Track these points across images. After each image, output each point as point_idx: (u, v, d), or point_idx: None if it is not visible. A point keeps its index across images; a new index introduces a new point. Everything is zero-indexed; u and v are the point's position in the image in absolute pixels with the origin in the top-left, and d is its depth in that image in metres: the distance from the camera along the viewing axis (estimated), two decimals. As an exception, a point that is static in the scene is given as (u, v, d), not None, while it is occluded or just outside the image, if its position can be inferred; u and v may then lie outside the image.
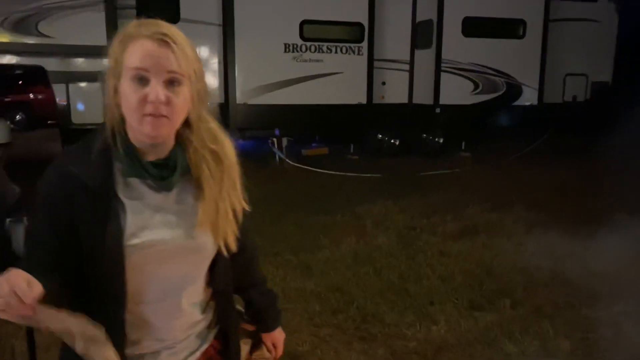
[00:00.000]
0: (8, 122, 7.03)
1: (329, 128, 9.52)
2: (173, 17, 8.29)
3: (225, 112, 8.75)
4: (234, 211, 1.16)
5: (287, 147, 9.16)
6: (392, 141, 10.29)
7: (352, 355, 3.00)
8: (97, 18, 7.45)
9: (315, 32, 9.08)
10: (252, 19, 8.53)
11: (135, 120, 1.03)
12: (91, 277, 1.06)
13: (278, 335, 1.44)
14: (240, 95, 8.82)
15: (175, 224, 1.10)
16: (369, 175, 7.98)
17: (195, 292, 1.19)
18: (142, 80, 1.01)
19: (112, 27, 7.58)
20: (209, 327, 1.25)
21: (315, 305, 3.58)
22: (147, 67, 1.01)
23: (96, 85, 7.93)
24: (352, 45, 9.36)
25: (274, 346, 1.44)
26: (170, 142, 1.10)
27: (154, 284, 1.10)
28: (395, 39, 9.81)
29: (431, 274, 4.14)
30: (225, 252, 1.15)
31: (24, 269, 0.93)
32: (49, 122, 10.06)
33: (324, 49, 9.17)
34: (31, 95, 8.04)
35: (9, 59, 7.61)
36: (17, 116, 13.51)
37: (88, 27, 7.46)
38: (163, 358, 1.16)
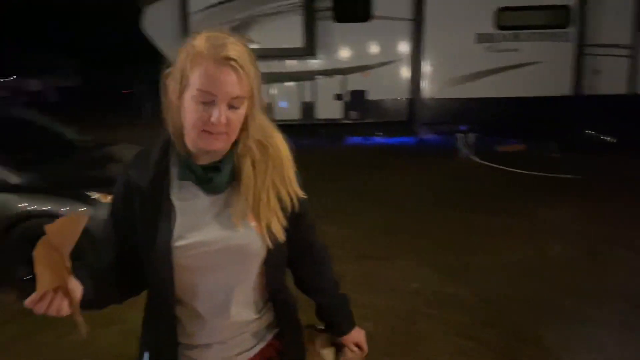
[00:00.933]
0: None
1: (526, 123, 8.75)
2: (365, 16, 8.56)
3: (413, 107, 8.72)
4: (281, 200, 1.18)
5: (475, 143, 8.72)
6: (603, 137, 9.02)
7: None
8: (295, 22, 8.10)
9: (513, 20, 8.42)
10: (444, 12, 8.32)
11: (193, 133, 1.09)
12: (147, 273, 1.18)
13: (357, 335, 1.42)
14: (428, 90, 8.69)
15: (222, 226, 1.14)
16: (567, 176, 7.15)
17: (246, 291, 1.21)
18: (205, 103, 1.07)
19: (308, 29, 8.17)
20: (267, 327, 1.28)
21: (464, 315, 3.40)
22: (212, 92, 1.06)
23: (292, 84, 8.65)
24: (554, 31, 8.44)
25: (358, 346, 1.42)
26: (226, 148, 1.15)
27: (203, 282, 1.16)
28: (612, 20, 8.52)
29: (618, 296, 3.57)
30: (269, 243, 1.15)
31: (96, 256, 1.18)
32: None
33: (521, 37, 8.45)
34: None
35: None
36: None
37: (289, 32, 8.17)
38: (214, 352, 1.22)
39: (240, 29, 8.24)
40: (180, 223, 1.13)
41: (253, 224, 1.15)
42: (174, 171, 1.16)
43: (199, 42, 1.08)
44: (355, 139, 10.35)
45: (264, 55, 8.41)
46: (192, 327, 1.21)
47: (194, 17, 8.13)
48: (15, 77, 26.69)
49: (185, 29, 8.15)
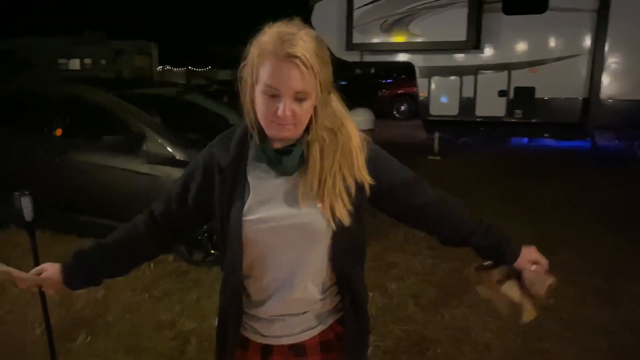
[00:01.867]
0: (371, 112, 8.20)
1: None
2: (541, 7, 7.91)
3: (588, 108, 7.84)
4: (347, 186, 1.21)
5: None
6: None
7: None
8: (460, 15, 7.82)
9: None
10: (632, 2, 7.28)
11: (264, 123, 1.19)
12: (220, 244, 1.30)
13: (529, 253, 1.36)
14: (609, 89, 7.71)
15: (289, 204, 1.21)
16: None
17: (312, 270, 1.25)
18: (272, 96, 1.14)
19: (473, 21, 7.83)
20: (331, 310, 1.31)
21: (601, 341, 3.02)
22: (277, 87, 1.13)
23: (453, 79, 8.38)
24: None
25: (536, 262, 1.35)
26: (298, 135, 1.21)
27: (270, 257, 1.23)
28: None
29: None
30: (333, 225, 1.19)
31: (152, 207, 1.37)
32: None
33: None
34: (413, 89, 9.12)
35: (386, 58, 8.81)
36: (402, 107, 15.57)
37: (451, 24, 7.92)
38: (276, 327, 1.29)
39: (401, 22, 8.22)
40: (251, 199, 1.22)
41: (319, 205, 1.20)
42: (251, 153, 1.25)
43: (267, 37, 1.14)
44: (519, 140, 9.68)
45: (424, 48, 8.34)
46: (258, 298, 1.29)
47: (358, 13, 8.33)
48: (209, 67, 30.09)
49: (349, 24, 8.40)
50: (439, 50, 8.23)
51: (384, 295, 3.72)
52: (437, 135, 9.10)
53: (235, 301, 1.30)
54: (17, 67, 16.50)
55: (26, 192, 2.45)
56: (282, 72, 1.11)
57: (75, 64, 17.99)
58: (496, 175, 7.54)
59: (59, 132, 4.69)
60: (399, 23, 8.21)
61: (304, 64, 1.11)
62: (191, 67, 28.73)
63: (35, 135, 4.76)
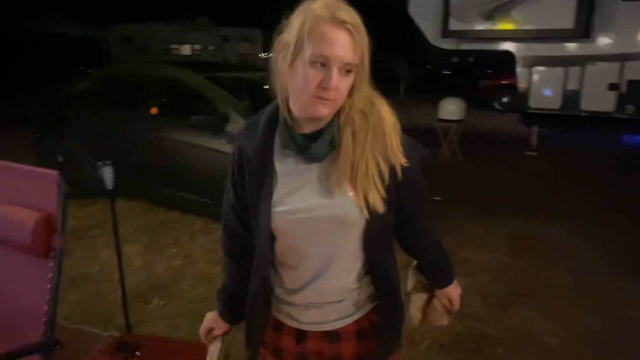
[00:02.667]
0: (464, 102, 7.87)
1: None
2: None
3: None
4: (381, 171, 1.16)
5: None
6: None
7: None
8: (568, 1, 7.23)
9: None
10: None
11: (303, 99, 1.11)
12: (254, 233, 1.27)
13: (452, 291, 1.42)
14: None
15: (320, 194, 1.16)
16: None
17: (346, 259, 1.22)
18: (321, 65, 1.07)
19: (583, 8, 7.22)
20: (367, 298, 1.28)
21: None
22: (328, 56, 1.06)
23: (556, 70, 7.81)
24: None
25: (450, 302, 1.43)
26: (330, 116, 1.15)
27: (304, 247, 1.20)
28: None
29: None
30: (367, 213, 1.15)
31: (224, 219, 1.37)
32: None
33: None
34: (513, 80, 8.64)
35: (485, 46, 8.40)
36: (504, 98, 14.80)
37: (558, 11, 7.36)
38: (312, 314, 1.26)
39: (502, 9, 7.79)
40: (280, 189, 1.18)
41: (351, 193, 1.15)
42: (278, 140, 1.20)
43: (316, 5, 1.08)
44: (630, 138, 8.85)
45: (526, 36, 7.83)
46: (293, 287, 1.26)
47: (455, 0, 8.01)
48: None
49: (446, 10, 8.11)
50: (542, 38, 7.69)
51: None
52: (535, 129, 8.57)
53: (264, 290, 1.28)
54: (135, 51, 17.89)
55: (108, 163, 2.67)
56: (334, 39, 1.06)
57: (185, 49, 19.12)
58: (597, 176, 6.98)
59: (154, 110, 5.05)
60: (500, 9, 7.77)
61: (356, 31, 1.07)
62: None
63: (135, 113, 5.17)
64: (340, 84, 1.09)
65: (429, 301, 1.47)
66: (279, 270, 1.27)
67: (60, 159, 5.47)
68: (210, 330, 1.42)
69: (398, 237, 1.35)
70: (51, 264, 1.97)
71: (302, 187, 1.17)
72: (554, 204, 5.68)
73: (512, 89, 14.01)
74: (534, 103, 8.13)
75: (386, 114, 1.20)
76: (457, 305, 1.44)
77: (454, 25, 8.14)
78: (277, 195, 1.18)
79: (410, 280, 1.48)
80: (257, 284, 1.29)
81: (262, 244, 1.22)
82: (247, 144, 1.22)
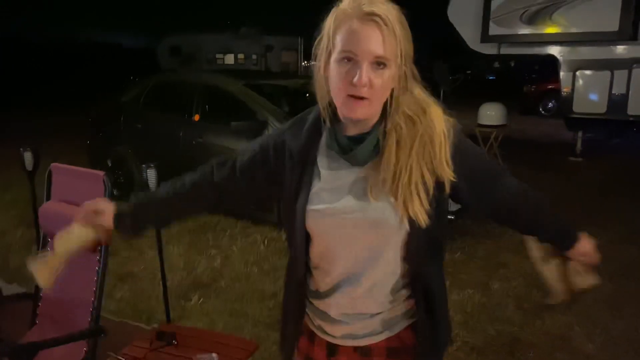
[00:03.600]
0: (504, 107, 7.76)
1: None
2: None
3: None
4: (425, 182, 1.09)
5: None
6: None
7: None
8: (612, 2, 7.05)
9: None
10: None
11: (339, 99, 1.08)
12: (287, 232, 1.25)
13: (584, 245, 1.29)
14: None
15: (358, 197, 1.12)
16: None
17: (381, 270, 1.16)
18: (349, 61, 1.04)
19: (629, 10, 7.02)
20: (400, 316, 1.22)
21: None
22: (355, 51, 1.02)
23: (602, 73, 7.61)
24: None
25: (587, 256, 1.29)
26: (375, 118, 1.11)
27: (339, 250, 1.16)
28: None
29: None
30: (407, 223, 1.09)
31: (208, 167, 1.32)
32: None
33: None
34: (558, 85, 8.44)
35: (526, 50, 8.28)
36: (550, 104, 14.44)
37: (602, 13, 7.19)
38: (343, 328, 1.21)
39: (544, 12, 7.67)
40: (319, 187, 1.15)
41: (392, 199, 1.09)
42: (323, 140, 1.17)
43: (345, 2, 1.06)
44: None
45: (569, 40, 7.67)
46: (326, 291, 1.22)
47: (496, 3, 7.93)
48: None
49: (486, 15, 8.04)
50: (586, 41, 7.52)
51: (485, 294, 3.62)
52: (580, 134, 8.36)
53: (298, 291, 1.26)
54: (182, 61, 18.48)
55: (152, 165, 2.82)
56: (361, 33, 1.02)
57: (230, 58, 19.57)
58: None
59: (197, 117, 5.27)
60: (542, 12, 7.65)
61: (385, 23, 1.01)
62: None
63: (179, 120, 5.40)
64: (374, 79, 1.04)
65: (564, 266, 1.34)
66: (314, 274, 1.23)
67: (109, 163, 5.76)
68: (95, 212, 1.31)
69: (503, 222, 1.30)
70: (98, 257, 2.13)
71: (342, 188, 1.14)
72: (597, 210, 5.53)
73: (557, 93, 13.72)
74: (578, 108, 7.93)
75: (438, 122, 1.11)
76: (595, 256, 1.30)
77: (494, 30, 8.07)
78: (314, 193, 1.15)
79: (534, 254, 1.36)
80: (291, 288, 1.28)
81: (296, 244, 1.20)
82: (292, 140, 1.20)
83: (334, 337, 1.24)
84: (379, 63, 1.04)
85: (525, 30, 7.93)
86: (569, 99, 7.97)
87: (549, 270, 1.34)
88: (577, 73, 7.80)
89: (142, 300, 3.51)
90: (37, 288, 2.37)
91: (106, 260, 2.12)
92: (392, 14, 1.03)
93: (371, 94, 1.05)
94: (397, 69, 1.06)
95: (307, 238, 1.18)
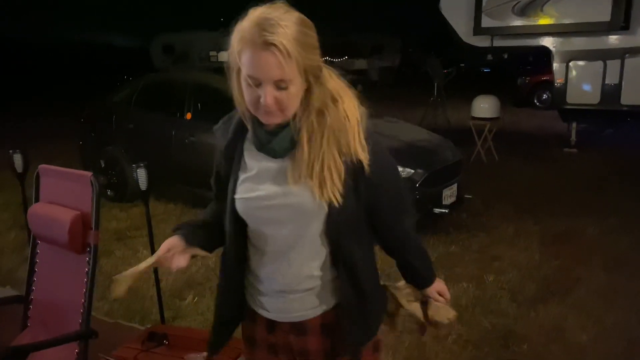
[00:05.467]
0: (497, 100, 7.76)
1: None
2: None
3: None
4: (338, 166, 1.18)
5: None
6: None
7: None
8: (604, -8, 7.05)
9: None
10: None
11: (251, 110, 1.19)
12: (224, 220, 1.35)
13: (438, 285, 1.46)
14: None
15: (280, 184, 1.22)
16: None
17: (307, 248, 1.26)
18: (255, 84, 1.13)
19: (619, 0, 7.02)
20: (335, 291, 1.29)
21: None
22: (257, 76, 1.12)
23: (594, 64, 7.61)
24: None
25: (441, 294, 1.46)
26: (289, 116, 1.19)
27: (270, 231, 1.27)
28: None
29: None
30: (324, 205, 1.19)
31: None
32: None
33: None
34: (551, 76, 8.44)
35: (519, 42, 8.26)
36: (544, 95, 14.45)
37: (593, 3, 7.19)
38: (278, 304, 1.31)
39: (535, 4, 7.66)
40: (244, 178, 1.27)
41: (309, 184, 1.19)
42: (249, 135, 1.28)
43: (246, 23, 1.12)
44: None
45: (561, 31, 7.67)
46: (261, 271, 1.32)
47: (488, -4, 7.92)
48: (345, 57, 30.58)
49: (478, 8, 8.03)
50: (578, 32, 7.52)
51: (479, 287, 3.62)
52: (574, 125, 8.36)
53: (234, 275, 1.35)
54: (175, 60, 18.41)
55: (142, 165, 2.81)
56: (260, 61, 1.10)
57: (223, 56, 19.42)
58: (638, 173, 6.75)
59: (188, 116, 5.24)
60: (533, 4, 7.64)
61: (280, 52, 1.08)
62: (329, 57, 29.38)
63: (171, 119, 5.38)
64: (279, 97, 1.13)
65: (424, 305, 1.48)
66: (251, 252, 1.33)
67: (102, 164, 5.73)
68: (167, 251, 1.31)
69: (377, 238, 1.37)
70: (87, 259, 2.12)
71: (264, 177, 1.25)
72: (591, 201, 5.55)
73: (551, 85, 13.73)
74: (572, 98, 7.94)
75: (350, 110, 1.21)
76: (448, 295, 1.48)
77: (486, 22, 8.06)
78: (240, 182, 1.27)
79: (399, 298, 1.48)
80: (227, 270, 1.36)
81: (227, 228, 1.31)
82: (221, 137, 1.32)
83: (269, 312, 1.33)
84: (281, 84, 1.12)
85: (517, 22, 7.93)
86: (563, 90, 7.97)
87: (415, 307, 1.48)
88: (570, 64, 7.81)
89: (136, 300, 3.50)
90: (28, 291, 2.36)
91: (95, 261, 2.10)
92: (289, 38, 1.09)
93: (280, 107, 1.15)
94: (303, 79, 1.15)
95: (238, 223, 1.29)
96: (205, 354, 1.79)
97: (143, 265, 1.30)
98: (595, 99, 7.75)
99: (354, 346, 1.32)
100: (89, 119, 6.40)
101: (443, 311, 1.47)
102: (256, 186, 1.25)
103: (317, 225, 1.24)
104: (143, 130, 5.56)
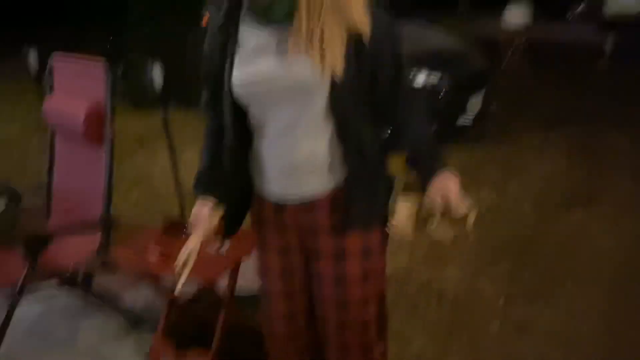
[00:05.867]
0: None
1: None
2: None
3: None
4: (341, 36, 1.13)
5: None
6: None
7: None
8: None
9: None
10: None
11: None
12: (212, 102, 1.31)
13: (442, 182, 1.18)
14: None
15: (279, 57, 1.16)
16: None
17: (313, 123, 1.20)
18: None
19: None
20: (340, 167, 1.24)
21: None
22: None
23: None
24: None
25: (446, 197, 1.15)
26: None
27: (267, 113, 1.21)
28: None
29: None
30: (327, 76, 1.13)
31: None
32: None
33: None
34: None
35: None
36: (579, 6, 13.58)
37: None
38: (286, 184, 1.27)
39: None
40: (242, 52, 1.20)
41: (310, 58, 1.13)
42: (245, 5, 1.20)
43: None
44: None
45: None
46: (267, 153, 1.27)
47: None
48: None
49: None
50: None
51: (500, 195, 3.56)
52: (610, 39, 7.88)
53: (233, 159, 1.31)
54: None
55: (156, 62, 2.72)
56: None
57: None
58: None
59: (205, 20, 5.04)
60: None
61: None
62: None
63: (188, 25, 5.15)
64: None
65: (420, 205, 1.24)
66: (255, 138, 1.28)
67: (120, 70, 5.64)
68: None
69: (386, 121, 1.30)
70: (105, 148, 2.10)
71: (263, 51, 1.18)
72: (623, 114, 5.33)
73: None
74: (611, 8, 7.42)
75: None
76: (453, 199, 1.14)
77: None
78: (237, 58, 1.19)
79: (397, 186, 1.31)
80: (232, 155, 1.31)
81: (229, 121, 1.26)
82: (215, 11, 1.23)
83: (277, 195, 1.29)
84: None
85: None
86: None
87: (402, 206, 1.27)
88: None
89: (157, 202, 3.53)
90: (50, 181, 2.38)
91: (112, 150, 2.08)
92: None
93: None
94: None
95: (238, 114, 1.23)
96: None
97: (192, 252, 1.29)
98: (636, 7, 7.23)
99: (364, 219, 1.28)
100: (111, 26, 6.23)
101: (442, 228, 1.17)
102: (255, 59, 1.18)
103: (320, 101, 1.18)
104: (161, 36, 5.40)
